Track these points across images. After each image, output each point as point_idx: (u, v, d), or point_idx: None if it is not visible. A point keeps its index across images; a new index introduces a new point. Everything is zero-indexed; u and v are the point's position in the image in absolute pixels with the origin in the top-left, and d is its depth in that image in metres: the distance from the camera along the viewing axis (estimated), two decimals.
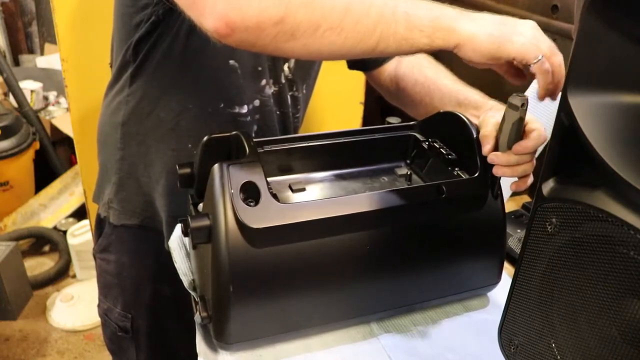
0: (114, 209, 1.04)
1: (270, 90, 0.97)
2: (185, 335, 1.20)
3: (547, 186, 0.54)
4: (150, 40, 0.89)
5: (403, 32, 0.66)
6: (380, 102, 1.63)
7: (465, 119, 0.84)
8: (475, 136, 0.81)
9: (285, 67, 0.99)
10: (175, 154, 0.96)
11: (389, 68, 1.08)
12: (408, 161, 0.94)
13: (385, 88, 1.10)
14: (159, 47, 0.89)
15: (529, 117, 0.75)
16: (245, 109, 0.95)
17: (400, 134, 0.93)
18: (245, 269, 0.68)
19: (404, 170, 0.92)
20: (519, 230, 1.03)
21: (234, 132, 0.81)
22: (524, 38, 0.68)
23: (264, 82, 0.95)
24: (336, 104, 1.58)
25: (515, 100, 0.72)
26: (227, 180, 0.68)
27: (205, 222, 0.69)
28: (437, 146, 0.87)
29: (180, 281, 1.05)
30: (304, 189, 0.85)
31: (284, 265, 0.70)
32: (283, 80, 0.99)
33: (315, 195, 0.85)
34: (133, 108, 0.95)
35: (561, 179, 0.54)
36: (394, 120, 0.95)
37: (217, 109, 0.93)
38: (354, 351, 0.76)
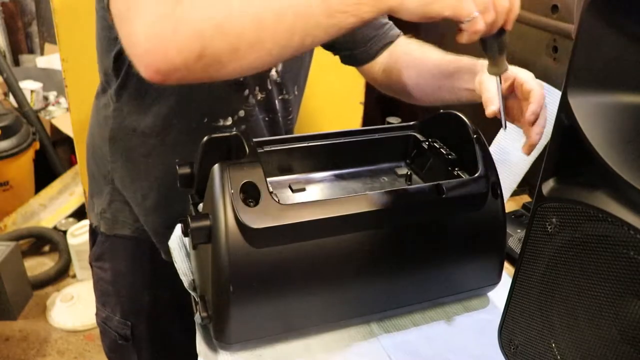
0: (106, 219, 1.03)
1: (254, 99, 0.96)
2: (186, 339, 1.20)
3: (547, 186, 0.54)
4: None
5: (326, 20, 0.65)
6: (380, 102, 1.64)
7: (465, 119, 0.84)
8: (474, 136, 0.81)
9: (273, 72, 0.98)
10: (163, 169, 0.96)
11: (381, 60, 1.07)
12: (408, 161, 0.94)
13: (379, 81, 1.09)
14: None
15: (523, 77, 0.79)
16: (229, 121, 0.95)
17: (400, 134, 0.93)
18: (245, 269, 0.68)
19: (404, 170, 0.92)
20: (519, 230, 1.03)
21: (233, 132, 0.81)
22: (451, 1, 0.65)
23: (246, 92, 0.95)
24: (336, 104, 1.58)
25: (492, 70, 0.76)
26: (227, 180, 0.68)
27: (205, 222, 0.69)
28: (437, 146, 0.87)
29: (179, 285, 1.04)
30: (303, 189, 0.85)
31: (284, 266, 0.70)
32: (270, 86, 0.98)
33: (315, 195, 0.85)
34: (119, 124, 0.95)
35: (561, 179, 0.54)
36: (394, 120, 0.95)
37: (201, 123, 0.93)
38: (354, 351, 0.76)
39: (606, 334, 0.49)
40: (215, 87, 0.91)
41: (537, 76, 1.01)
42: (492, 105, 0.78)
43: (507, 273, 0.86)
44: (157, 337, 1.09)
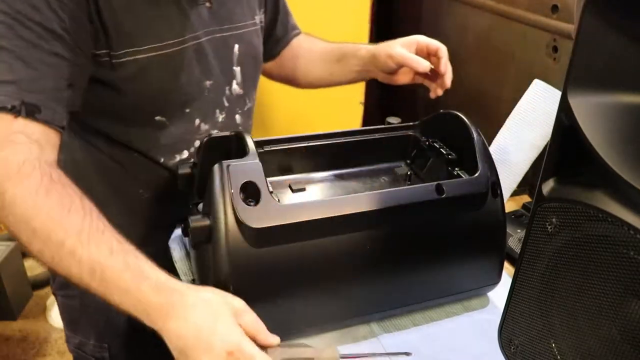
0: None
1: (210, 123, 0.93)
2: (166, 353, 1.19)
3: (547, 186, 0.54)
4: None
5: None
6: (380, 102, 1.64)
7: (465, 119, 0.84)
8: (475, 136, 0.81)
9: (234, 86, 0.96)
10: (127, 199, 0.93)
11: (286, 54, 1.13)
12: (408, 161, 0.94)
13: (269, 71, 1.14)
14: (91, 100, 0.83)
15: (424, 40, 0.95)
16: (186, 154, 0.92)
17: (400, 134, 0.93)
18: (245, 269, 0.68)
19: (404, 170, 0.92)
20: (519, 230, 1.03)
21: (233, 132, 0.81)
22: None
23: (197, 121, 0.91)
24: (336, 104, 1.59)
25: None
26: (227, 180, 0.68)
27: (205, 222, 0.69)
28: (437, 146, 0.87)
29: None
30: (304, 189, 0.85)
31: (284, 265, 0.70)
32: (227, 104, 0.95)
33: (315, 195, 0.85)
34: (84, 153, 0.89)
35: (561, 179, 0.54)
36: (394, 120, 0.95)
37: (160, 162, 0.90)
38: (355, 351, 0.76)
39: (606, 334, 0.49)
40: (165, 126, 0.87)
41: (537, 76, 1.01)
42: (424, 62, 0.92)
43: (507, 273, 0.86)
44: (135, 353, 1.06)
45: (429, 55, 0.96)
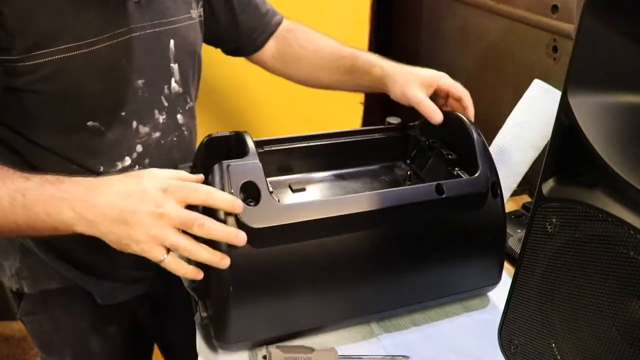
0: (26, 279, 0.93)
1: (151, 126, 0.88)
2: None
3: (547, 186, 0.54)
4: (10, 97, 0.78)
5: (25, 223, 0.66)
6: (380, 102, 1.64)
7: (465, 119, 0.84)
8: (475, 137, 0.81)
9: (173, 84, 0.91)
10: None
11: (269, 47, 1.07)
12: (408, 161, 0.94)
13: (270, 67, 1.10)
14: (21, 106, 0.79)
15: (447, 84, 0.89)
16: (128, 161, 0.87)
17: (400, 134, 0.93)
18: (245, 269, 0.68)
19: (404, 170, 0.92)
20: (519, 230, 1.03)
21: (233, 132, 0.81)
22: (139, 245, 0.64)
23: (134, 124, 0.86)
24: (336, 104, 1.58)
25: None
26: (227, 180, 0.68)
27: None
28: (437, 146, 0.87)
29: (128, 314, 1.01)
30: (303, 189, 0.85)
31: (284, 265, 0.70)
32: (166, 103, 0.90)
33: (315, 195, 0.85)
34: (22, 163, 0.82)
35: (561, 179, 0.54)
36: (394, 120, 0.95)
37: (100, 172, 0.85)
38: (354, 351, 0.76)
39: (606, 334, 0.49)
40: (99, 132, 0.83)
41: (537, 76, 1.01)
42: (438, 115, 0.86)
43: (507, 273, 0.86)
44: None
45: (447, 97, 0.91)
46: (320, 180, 0.89)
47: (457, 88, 0.89)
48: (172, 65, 0.90)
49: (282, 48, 1.07)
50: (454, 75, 0.93)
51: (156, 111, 0.89)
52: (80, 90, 0.78)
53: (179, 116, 0.93)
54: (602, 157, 0.47)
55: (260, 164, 0.70)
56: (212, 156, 0.79)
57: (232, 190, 0.68)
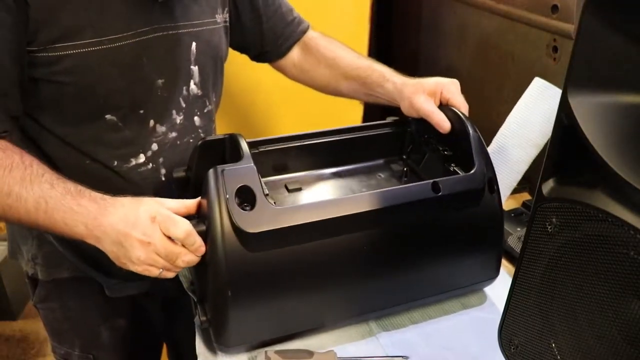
0: (40, 265, 0.96)
1: (169, 126, 0.89)
2: (152, 357, 1.17)
3: (547, 186, 0.54)
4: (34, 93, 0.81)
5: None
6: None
7: (462, 115, 0.84)
8: (471, 133, 0.81)
9: (192, 85, 0.92)
10: None
11: (292, 55, 1.09)
12: (404, 157, 0.94)
13: (290, 74, 1.12)
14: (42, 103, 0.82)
15: (450, 91, 0.89)
16: (142, 159, 0.88)
17: (396, 130, 0.93)
18: (243, 273, 0.68)
19: (400, 167, 0.92)
20: (518, 229, 1.03)
21: (227, 134, 0.81)
22: (134, 265, 0.71)
23: (152, 122, 0.87)
24: (336, 104, 1.58)
25: None
26: (222, 185, 0.68)
27: (201, 227, 0.69)
28: (433, 142, 0.87)
29: (137, 309, 1.04)
30: (300, 189, 0.85)
31: (281, 268, 0.70)
32: (184, 104, 0.91)
33: (311, 195, 0.85)
34: (38, 152, 0.84)
35: (561, 179, 0.54)
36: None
37: (113, 166, 0.86)
38: (353, 351, 0.76)
39: (606, 334, 0.49)
40: (116, 126, 0.85)
41: (537, 76, 1.01)
42: (447, 124, 0.86)
43: (507, 272, 0.86)
44: None
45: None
46: (317, 179, 0.89)
47: (455, 99, 0.89)
48: (192, 67, 0.91)
49: (303, 56, 1.09)
50: (454, 75, 0.93)
51: (174, 111, 0.90)
52: (100, 84, 0.80)
53: (196, 118, 0.94)
54: (602, 156, 0.47)
55: (254, 168, 0.70)
56: (207, 159, 0.78)
57: (228, 196, 0.67)
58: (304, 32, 1.09)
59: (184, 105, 0.91)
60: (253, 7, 1.02)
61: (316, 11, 1.45)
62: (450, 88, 0.90)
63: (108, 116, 0.83)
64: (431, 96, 0.90)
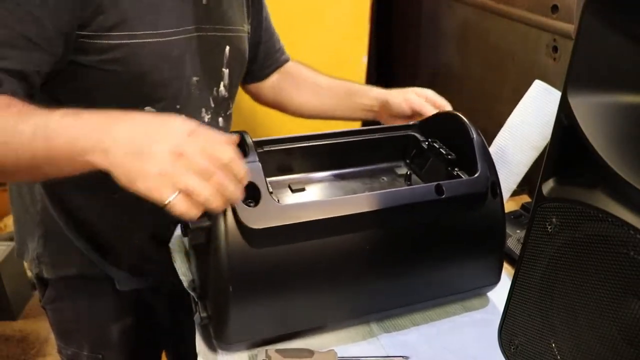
0: (45, 264, 0.96)
1: None
2: (156, 356, 1.19)
3: (547, 186, 0.54)
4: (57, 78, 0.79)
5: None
6: None
7: (465, 119, 0.84)
8: (474, 137, 0.81)
9: (221, 87, 0.94)
10: (101, 206, 0.90)
11: (270, 79, 1.14)
12: (408, 161, 0.94)
13: (264, 97, 1.16)
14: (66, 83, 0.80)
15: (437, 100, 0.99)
16: None
17: (399, 134, 0.93)
18: (245, 270, 0.68)
19: (403, 170, 0.92)
20: (518, 231, 1.03)
21: (233, 132, 0.81)
22: (145, 181, 0.58)
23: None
24: None
25: None
26: None
27: (205, 222, 0.69)
28: (437, 146, 0.87)
29: (145, 308, 1.04)
30: (303, 189, 0.85)
31: (284, 266, 0.70)
32: (213, 105, 0.93)
33: (314, 195, 0.85)
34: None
35: (561, 179, 0.54)
36: None
37: None
38: (354, 351, 0.76)
39: (606, 334, 0.49)
40: None
41: (537, 76, 1.01)
42: (445, 101, 0.98)
43: (507, 273, 0.86)
44: None
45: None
46: (320, 180, 0.89)
47: (441, 101, 1.00)
48: (224, 69, 0.94)
49: (283, 77, 1.14)
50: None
51: (203, 110, 0.92)
52: (146, 76, 0.81)
53: (220, 119, 0.97)
54: (602, 157, 0.47)
55: (260, 165, 0.70)
56: None
57: None
58: (287, 61, 1.15)
59: (213, 105, 0.94)
60: (259, 26, 1.06)
61: (316, 11, 1.45)
62: (433, 93, 1.00)
63: (148, 107, 0.84)
64: (420, 96, 1.00)
